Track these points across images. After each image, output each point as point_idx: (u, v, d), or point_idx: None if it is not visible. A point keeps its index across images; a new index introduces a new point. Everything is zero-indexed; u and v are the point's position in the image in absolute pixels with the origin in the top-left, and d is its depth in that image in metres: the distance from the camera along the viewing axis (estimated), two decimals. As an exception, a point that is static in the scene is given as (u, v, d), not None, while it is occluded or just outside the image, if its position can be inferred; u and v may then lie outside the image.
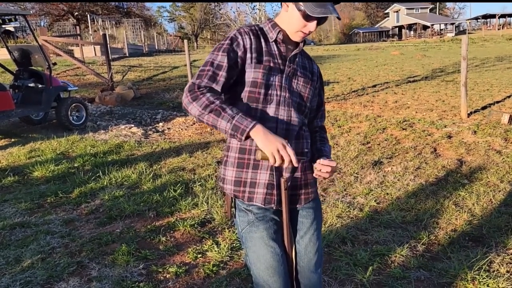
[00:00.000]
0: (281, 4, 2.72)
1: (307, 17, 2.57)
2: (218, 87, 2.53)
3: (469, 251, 4.91)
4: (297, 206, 2.80)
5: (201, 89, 2.48)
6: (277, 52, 2.69)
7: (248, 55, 2.61)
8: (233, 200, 2.78)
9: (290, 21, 2.64)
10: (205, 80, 2.52)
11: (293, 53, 2.71)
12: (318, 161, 2.76)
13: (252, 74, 2.61)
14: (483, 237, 5.25)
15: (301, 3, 2.55)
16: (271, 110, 2.63)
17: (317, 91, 2.97)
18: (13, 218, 6.23)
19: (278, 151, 2.36)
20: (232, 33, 2.65)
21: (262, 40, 2.69)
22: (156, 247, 5.29)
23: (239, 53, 2.59)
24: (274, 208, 2.69)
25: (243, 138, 2.33)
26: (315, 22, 2.61)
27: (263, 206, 2.67)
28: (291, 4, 2.62)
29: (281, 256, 2.73)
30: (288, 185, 2.54)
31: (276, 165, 2.39)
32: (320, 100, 3.01)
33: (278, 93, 2.65)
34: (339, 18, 2.62)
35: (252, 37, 2.65)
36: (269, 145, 2.36)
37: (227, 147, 2.74)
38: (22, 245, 5.38)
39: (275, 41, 2.70)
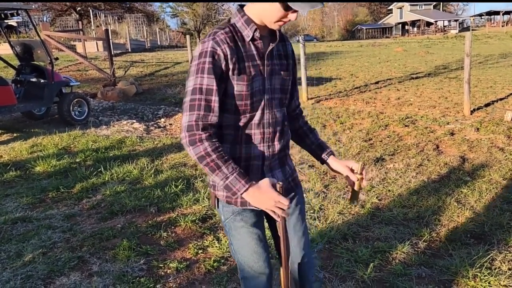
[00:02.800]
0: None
1: (288, 8, 2.38)
2: (214, 116, 2.43)
3: (470, 248, 4.91)
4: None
5: (200, 132, 2.37)
6: (255, 52, 2.55)
7: (230, 66, 2.44)
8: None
9: (268, 12, 2.44)
10: (201, 113, 2.39)
11: (269, 48, 2.59)
12: (355, 174, 2.84)
13: (236, 87, 2.48)
14: (485, 234, 5.25)
15: None
16: (257, 118, 2.58)
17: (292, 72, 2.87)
18: (14, 212, 6.25)
19: (273, 206, 2.38)
20: (208, 44, 2.43)
21: (239, 42, 2.51)
22: (157, 243, 5.30)
23: (222, 66, 2.43)
24: None
25: (238, 197, 2.37)
26: (296, 12, 2.42)
27: (256, 208, 2.67)
28: None
29: (265, 242, 2.80)
30: (283, 189, 2.47)
31: (274, 217, 2.46)
32: (294, 79, 2.90)
33: (262, 97, 2.59)
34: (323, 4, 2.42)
35: (229, 43, 2.45)
36: (261, 205, 2.38)
37: None
38: (23, 240, 5.40)
39: (252, 39, 2.53)
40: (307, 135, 3.03)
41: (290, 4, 2.32)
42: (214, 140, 2.39)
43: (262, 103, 2.59)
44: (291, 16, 2.42)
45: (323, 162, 2.99)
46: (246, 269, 2.80)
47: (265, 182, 2.38)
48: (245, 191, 2.33)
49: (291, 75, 2.80)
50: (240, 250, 2.78)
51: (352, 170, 2.86)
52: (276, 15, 2.41)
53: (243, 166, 2.60)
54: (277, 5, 2.37)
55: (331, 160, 2.95)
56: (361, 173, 2.83)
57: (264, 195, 2.34)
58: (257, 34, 2.52)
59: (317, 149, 2.98)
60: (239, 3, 2.61)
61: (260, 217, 2.80)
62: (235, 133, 2.59)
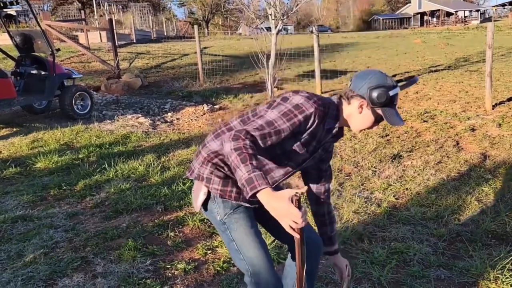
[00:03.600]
0: (347, 100, 2.94)
1: (379, 121, 2.95)
2: (261, 148, 2.62)
3: (492, 249, 4.92)
4: None
5: (247, 136, 2.53)
6: (321, 137, 2.94)
7: (305, 135, 2.83)
8: (209, 192, 2.96)
9: (361, 121, 2.95)
10: (258, 137, 2.58)
11: (326, 139, 3.00)
12: (344, 276, 3.42)
13: (291, 145, 2.86)
14: (507, 235, 5.25)
15: (379, 109, 2.86)
16: (288, 168, 3.02)
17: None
18: (15, 211, 6.29)
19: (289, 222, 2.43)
20: (310, 109, 2.74)
21: (321, 125, 2.86)
22: (164, 243, 5.33)
23: (301, 128, 2.77)
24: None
25: (250, 194, 2.35)
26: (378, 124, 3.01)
27: (251, 206, 2.94)
28: (367, 108, 2.88)
29: (259, 232, 3.05)
30: (299, 201, 2.45)
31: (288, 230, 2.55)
32: (326, 167, 3.33)
33: (292, 164, 2.99)
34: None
35: (318, 121, 2.79)
36: (275, 214, 2.36)
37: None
38: (24, 239, 5.44)
39: (328, 130, 2.94)
40: (325, 225, 3.40)
41: (390, 123, 2.85)
42: (255, 147, 2.56)
43: (288, 170, 3.02)
44: (375, 127, 3.00)
45: (326, 254, 3.43)
46: (256, 262, 2.90)
47: (286, 191, 2.37)
48: (264, 188, 2.35)
49: (325, 163, 3.27)
50: (245, 242, 2.91)
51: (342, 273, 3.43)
52: (366, 126, 2.98)
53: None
54: (372, 117, 2.92)
55: (333, 257, 3.44)
56: (348, 275, 3.41)
57: (283, 205, 2.31)
58: (334, 132, 2.99)
59: (327, 241, 3.41)
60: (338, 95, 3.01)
61: (252, 213, 3.04)
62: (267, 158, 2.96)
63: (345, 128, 3.09)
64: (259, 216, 3.05)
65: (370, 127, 2.99)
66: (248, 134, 2.53)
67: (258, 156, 2.54)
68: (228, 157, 2.46)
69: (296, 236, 2.40)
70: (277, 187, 3.03)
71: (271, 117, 2.69)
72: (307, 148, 2.90)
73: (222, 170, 2.89)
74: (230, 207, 2.92)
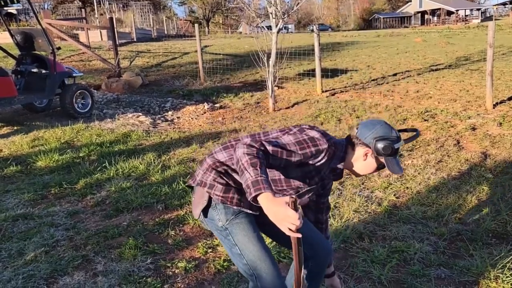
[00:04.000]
0: (353, 147, 3.11)
1: (380, 168, 3.15)
2: (271, 162, 2.75)
3: (492, 248, 4.92)
4: None
5: (261, 147, 2.67)
6: (324, 175, 3.13)
7: (311, 168, 2.99)
8: (210, 199, 3.00)
9: (365, 168, 3.13)
10: (270, 147, 2.70)
11: (328, 177, 3.20)
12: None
13: (294, 175, 3.01)
14: (507, 234, 5.26)
15: (382, 158, 3.04)
16: (277, 191, 3.10)
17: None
18: (15, 209, 6.30)
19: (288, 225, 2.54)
20: (324, 146, 2.89)
21: (327, 163, 3.03)
22: (165, 241, 5.34)
23: (309, 160, 2.92)
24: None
25: (253, 195, 2.44)
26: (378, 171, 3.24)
27: (252, 212, 3.00)
28: (371, 156, 3.06)
29: (261, 236, 3.08)
30: (295, 203, 2.58)
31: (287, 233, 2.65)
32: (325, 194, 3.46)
33: (290, 192, 3.09)
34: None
35: (326, 158, 2.96)
36: (274, 218, 2.44)
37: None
38: (25, 238, 5.44)
39: (333, 169, 3.16)
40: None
41: (391, 171, 3.03)
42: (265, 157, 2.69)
43: (304, 199, 3.21)
44: (376, 173, 3.04)
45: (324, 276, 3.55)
46: (259, 264, 2.91)
47: (283, 198, 2.48)
48: (267, 192, 2.44)
49: (323, 198, 3.43)
50: (248, 245, 2.93)
51: None
52: (370, 170, 3.15)
53: None
54: (375, 165, 3.10)
55: (330, 279, 3.62)
56: None
57: (282, 210, 2.40)
58: (338, 171, 3.21)
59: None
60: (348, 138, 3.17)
61: (254, 219, 3.08)
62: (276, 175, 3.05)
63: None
64: (259, 223, 3.07)
65: (371, 173, 3.20)
66: (262, 146, 2.67)
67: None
68: (238, 160, 2.56)
69: (296, 235, 2.44)
70: None
71: (285, 141, 2.82)
72: (309, 180, 3.05)
73: (225, 178, 2.94)
74: (232, 213, 2.95)
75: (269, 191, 2.41)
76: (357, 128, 3.11)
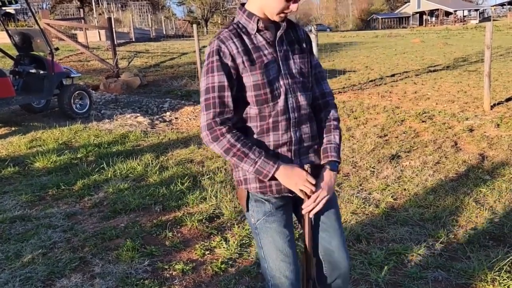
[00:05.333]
0: None
1: None
2: (230, 111, 2.65)
3: (489, 250, 4.92)
4: None
5: (219, 127, 2.60)
6: (264, 42, 2.73)
7: (239, 60, 2.65)
8: (248, 192, 2.86)
9: (270, 4, 2.64)
10: (217, 110, 2.61)
11: (278, 36, 2.74)
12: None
13: (251, 78, 2.67)
14: (504, 236, 5.25)
15: None
16: (280, 104, 2.71)
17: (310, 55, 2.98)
18: (13, 210, 6.30)
19: (301, 186, 2.62)
20: (214, 44, 2.66)
21: (245, 37, 2.71)
22: (162, 243, 5.33)
23: (230, 63, 2.64)
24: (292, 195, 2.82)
25: (269, 177, 2.56)
26: (297, 2, 2.67)
27: (289, 194, 2.81)
28: None
29: (294, 245, 2.89)
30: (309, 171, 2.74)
31: (302, 197, 2.69)
32: (315, 63, 3.00)
33: (282, 83, 2.72)
34: None
35: (234, 39, 2.67)
36: (290, 184, 2.64)
37: None
38: (22, 239, 5.44)
39: (258, 30, 2.72)
40: (324, 132, 2.93)
41: None
42: (234, 131, 2.64)
43: (283, 88, 2.72)
44: (292, 7, 2.65)
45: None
46: (277, 275, 2.82)
47: (295, 165, 2.58)
48: (275, 170, 2.53)
49: (307, 57, 2.90)
50: (271, 254, 2.83)
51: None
52: (278, 6, 2.63)
53: (272, 154, 2.71)
54: None
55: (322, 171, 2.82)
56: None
57: (294, 173, 2.56)
58: (261, 25, 2.71)
59: (322, 151, 2.90)
60: (241, 1, 2.82)
61: (290, 217, 2.92)
62: (261, 124, 2.74)
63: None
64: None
65: (286, 7, 2.64)
66: (215, 124, 2.60)
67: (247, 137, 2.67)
68: (224, 157, 2.55)
69: (307, 199, 2.64)
70: (300, 141, 2.81)
71: (203, 85, 2.67)
72: (261, 65, 2.67)
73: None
74: (263, 212, 2.82)
75: (274, 167, 2.59)
76: None
